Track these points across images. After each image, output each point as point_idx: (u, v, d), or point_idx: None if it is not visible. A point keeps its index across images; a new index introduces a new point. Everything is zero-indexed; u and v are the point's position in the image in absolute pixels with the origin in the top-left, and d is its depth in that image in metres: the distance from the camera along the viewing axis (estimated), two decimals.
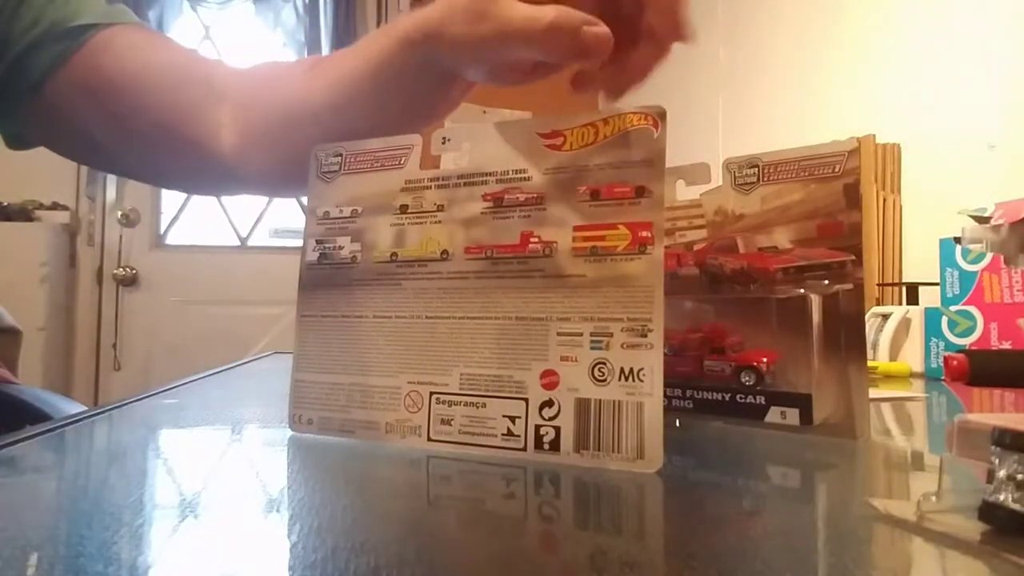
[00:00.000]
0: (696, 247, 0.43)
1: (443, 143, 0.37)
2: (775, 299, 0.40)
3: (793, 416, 0.38)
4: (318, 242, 0.39)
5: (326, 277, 0.39)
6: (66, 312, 2.42)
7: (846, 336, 0.38)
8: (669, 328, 0.43)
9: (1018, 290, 0.78)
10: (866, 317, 0.62)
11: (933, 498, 0.28)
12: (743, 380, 0.40)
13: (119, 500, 0.27)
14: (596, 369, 0.31)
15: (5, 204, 2.30)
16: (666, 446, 0.30)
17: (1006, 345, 0.78)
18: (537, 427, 0.32)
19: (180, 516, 0.25)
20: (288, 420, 0.38)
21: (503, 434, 0.32)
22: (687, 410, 0.42)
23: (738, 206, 0.42)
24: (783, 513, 0.28)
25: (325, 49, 2.54)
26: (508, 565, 0.21)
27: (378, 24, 2.61)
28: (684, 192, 0.44)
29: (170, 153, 0.55)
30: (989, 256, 0.79)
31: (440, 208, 0.37)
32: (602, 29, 0.34)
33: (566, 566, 0.21)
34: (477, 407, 0.33)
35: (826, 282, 0.38)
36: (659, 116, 0.33)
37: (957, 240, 0.80)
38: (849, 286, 0.38)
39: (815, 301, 0.38)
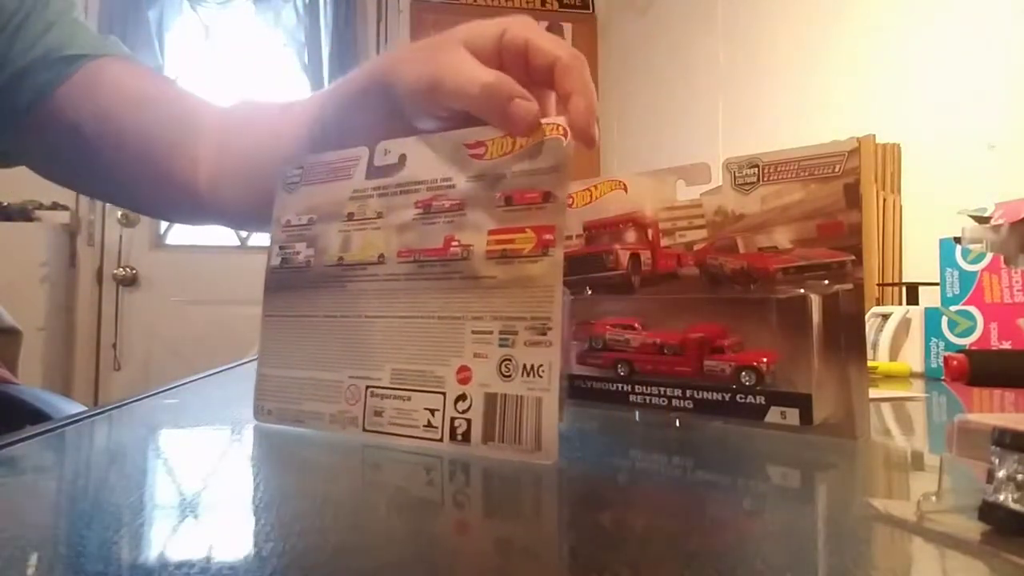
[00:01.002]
0: (696, 247, 0.43)
1: (385, 154, 0.39)
2: (775, 299, 0.40)
3: (793, 416, 0.38)
4: (280, 248, 0.42)
5: (286, 280, 0.42)
6: (66, 312, 2.42)
7: (846, 336, 0.38)
8: (669, 328, 0.43)
9: (1018, 290, 0.78)
10: (866, 317, 0.62)
11: (933, 498, 0.28)
12: (743, 380, 0.39)
13: (119, 500, 0.27)
14: (503, 365, 0.33)
15: (5, 204, 2.30)
16: (666, 446, 0.30)
17: (1006, 345, 0.78)
18: (452, 419, 0.33)
19: (180, 516, 0.25)
20: (253, 410, 0.40)
21: (424, 425, 0.34)
22: (687, 410, 0.42)
23: (738, 206, 0.42)
24: (783, 513, 0.28)
25: (325, 49, 2.54)
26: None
27: (378, 24, 2.62)
28: (684, 192, 0.44)
29: (148, 184, 0.57)
30: (989, 256, 0.79)
31: (379, 215, 0.39)
32: (531, 106, 0.35)
33: (573, 570, 0.21)
34: (404, 400, 0.35)
35: (826, 282, 0.38)
36: (568, 126, 0.35)
37: (957, 240, 0.80)
38: (849, 286, 0.38)
39: (815, 301, 0.38)
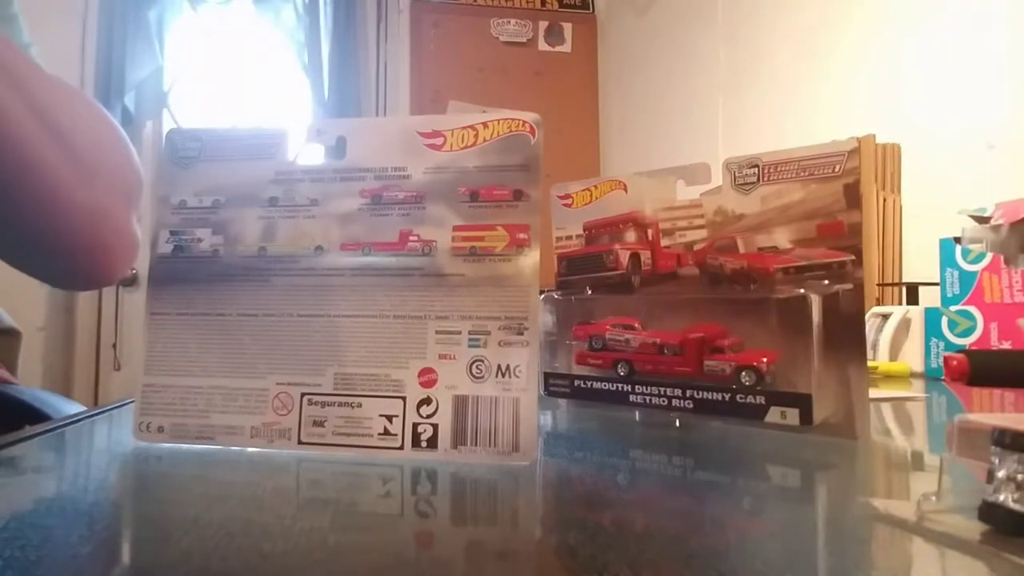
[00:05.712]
0: (696, 247, 0.43)
1: (318, 135, 0.37)
2: (775, 299, 0.40)
3: (793, 416, 0.38)
4: (172, 233, 0.37)
5: (182, 271, 0.36)
6: (66, 312, 2.42)
7: (846, 336, 0.38)
8: (669, 328, 0.43)
9: (1018, 290, 0.78)
10: (866, 317, 0.62)
11: (933, 498, 0.28)
12: (743, 380, 0.39)
13: (119, 500, 0.27)
14: (474, 367, 0.32)
15: None
16: (666, 446, 0.30)
17: (1006, 345, 0.78)
18: (415, 425, 0.32)
19: (180, 516, 0.25)
20: (132, 429, 0.35)
21: (379, 433, 0.32)
22: (687, 410, 0.42)
23: (738, 206, 0.42)
24: (783, 513, 0.28)
25: (325, 49, 2.54)
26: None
27: (378, 24, 2.61)
28: (684, 192, 0.45)
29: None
30: (989, 256, 0.79)
31: (314, 202, 0.36)
32: None
33: (574, 568, 0.21)
34: (352, 407, 0.33)
35: (826, 282, 0.38)
36: (536, 124, 0.34)
37: (957, 240, 0.80)
38: (849, 286, 0.38)
39: (815, 301, 0.38)
